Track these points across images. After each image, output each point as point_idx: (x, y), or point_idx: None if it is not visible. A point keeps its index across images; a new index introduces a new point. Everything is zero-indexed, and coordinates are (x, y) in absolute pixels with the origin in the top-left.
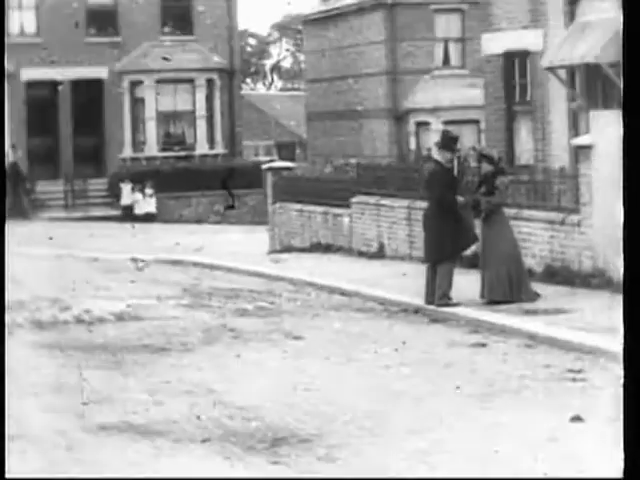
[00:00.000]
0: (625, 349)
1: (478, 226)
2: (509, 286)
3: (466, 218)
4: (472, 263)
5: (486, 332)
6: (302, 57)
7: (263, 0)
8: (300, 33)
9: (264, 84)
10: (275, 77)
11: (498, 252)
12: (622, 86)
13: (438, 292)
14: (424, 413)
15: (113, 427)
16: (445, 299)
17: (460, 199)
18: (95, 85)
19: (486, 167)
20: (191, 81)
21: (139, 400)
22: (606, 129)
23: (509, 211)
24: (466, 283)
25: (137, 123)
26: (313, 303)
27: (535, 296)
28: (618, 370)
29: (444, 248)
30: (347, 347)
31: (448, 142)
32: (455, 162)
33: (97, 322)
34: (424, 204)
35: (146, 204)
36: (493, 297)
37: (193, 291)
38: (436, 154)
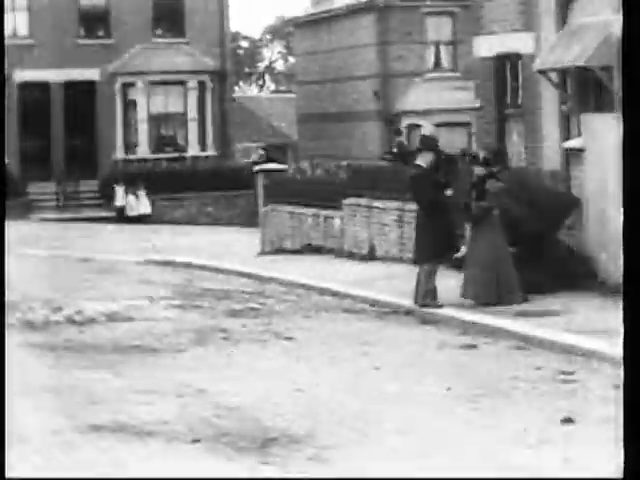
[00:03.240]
0: (625, 349)
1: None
2: (497, 289)
3: (453, 220)
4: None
5: (477, 334)
6: (293, 59)
7: (255, 3)
8: (292, 35)
9: (256, 86)
10: (267, 79)
11: (486, 256)
12: (622, 88)
13: (420, 292)
14: (414, 414)
15: (104, 427)
16: (427, 300)
17: (448, 192)
18: (87, 87)
19: (479, 170)
20: (183, 83)
21: (130, 400)
22: (597, 132)
23: None
24: (455, 285)
25: (129, 125)
26: (304, 304)
27: (523, 299)
28: (610, 372)
29: (426, 249)
30: (338, 348)
31: (430, 143)
32: (440, 162)
33: (88, 323)
34: (415, 206)
35: (140, 205)
36: (481, 300)
37: (184, 292)
38: (418, 158)
